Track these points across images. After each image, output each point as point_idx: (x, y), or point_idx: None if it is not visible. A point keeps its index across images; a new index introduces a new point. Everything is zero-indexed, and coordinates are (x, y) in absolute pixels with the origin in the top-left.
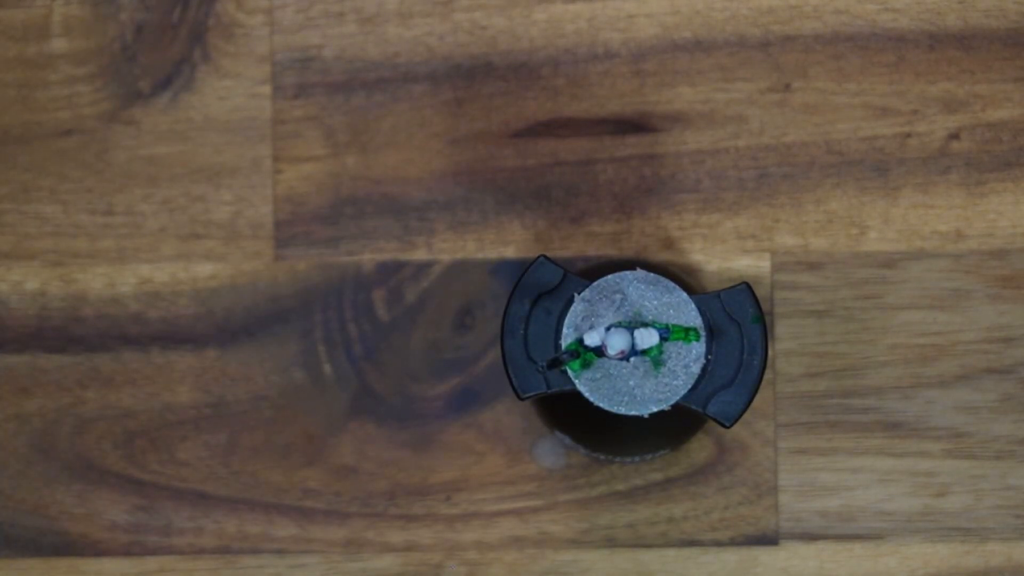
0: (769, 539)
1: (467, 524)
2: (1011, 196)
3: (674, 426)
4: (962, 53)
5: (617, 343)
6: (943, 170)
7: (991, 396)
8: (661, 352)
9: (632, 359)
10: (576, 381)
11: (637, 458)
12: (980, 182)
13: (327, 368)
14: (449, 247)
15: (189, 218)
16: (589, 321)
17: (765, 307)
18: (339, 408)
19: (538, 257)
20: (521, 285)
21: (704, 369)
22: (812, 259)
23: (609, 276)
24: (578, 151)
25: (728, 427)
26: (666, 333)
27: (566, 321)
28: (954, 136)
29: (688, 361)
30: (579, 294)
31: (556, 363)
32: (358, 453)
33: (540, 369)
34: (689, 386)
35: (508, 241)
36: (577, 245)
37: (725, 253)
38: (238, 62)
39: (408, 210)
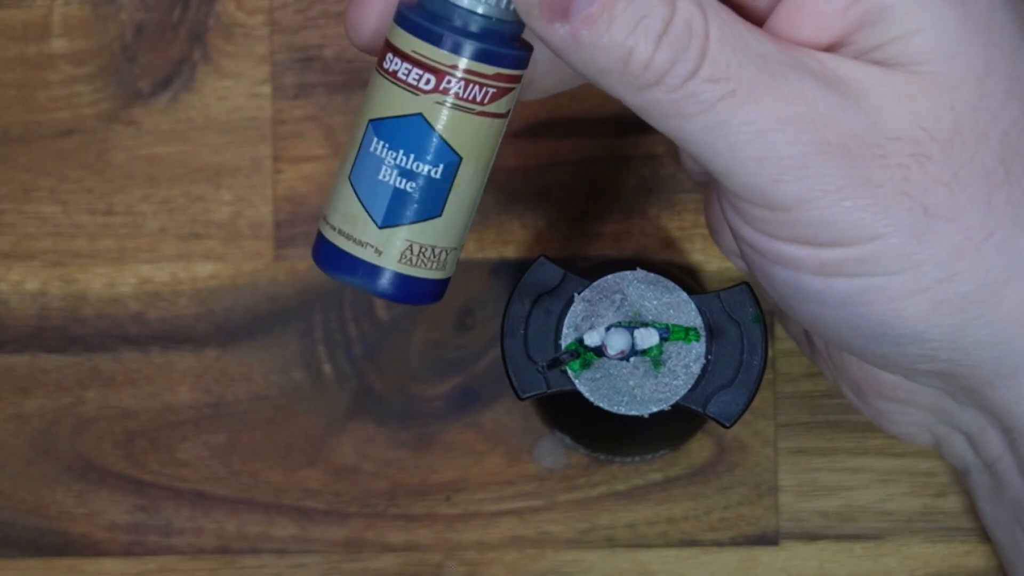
0: (769, 539)
1: (467, 524)
2: None
3: (674, 426)
4: None
5: (617, 343)
6: None
7: None
8: (661, 352)
9: (632, 359)
10: (576, 381)
11: (637, 458)
12: None
13: (327, 368)
14: None
15: (189, 218)
16: (589, 321)
17: (765, 307)
18: (339, 408)
19: (538, 257)
20: (521, 285)
21: (704, 369)
22: None
23: (609, 276)
24: (578, 151)
25: (728, 427)
26: (666, 333)
27: (566, 321)
28: None
29: (688, 361)
30: (579, 294)
31: (556, 363)
32: (358, 453)
33: (540, 369)
34: (689, 386)
35: (508, 241)
36: (577, 245)
37: None
38: (238, 62)
39: None
